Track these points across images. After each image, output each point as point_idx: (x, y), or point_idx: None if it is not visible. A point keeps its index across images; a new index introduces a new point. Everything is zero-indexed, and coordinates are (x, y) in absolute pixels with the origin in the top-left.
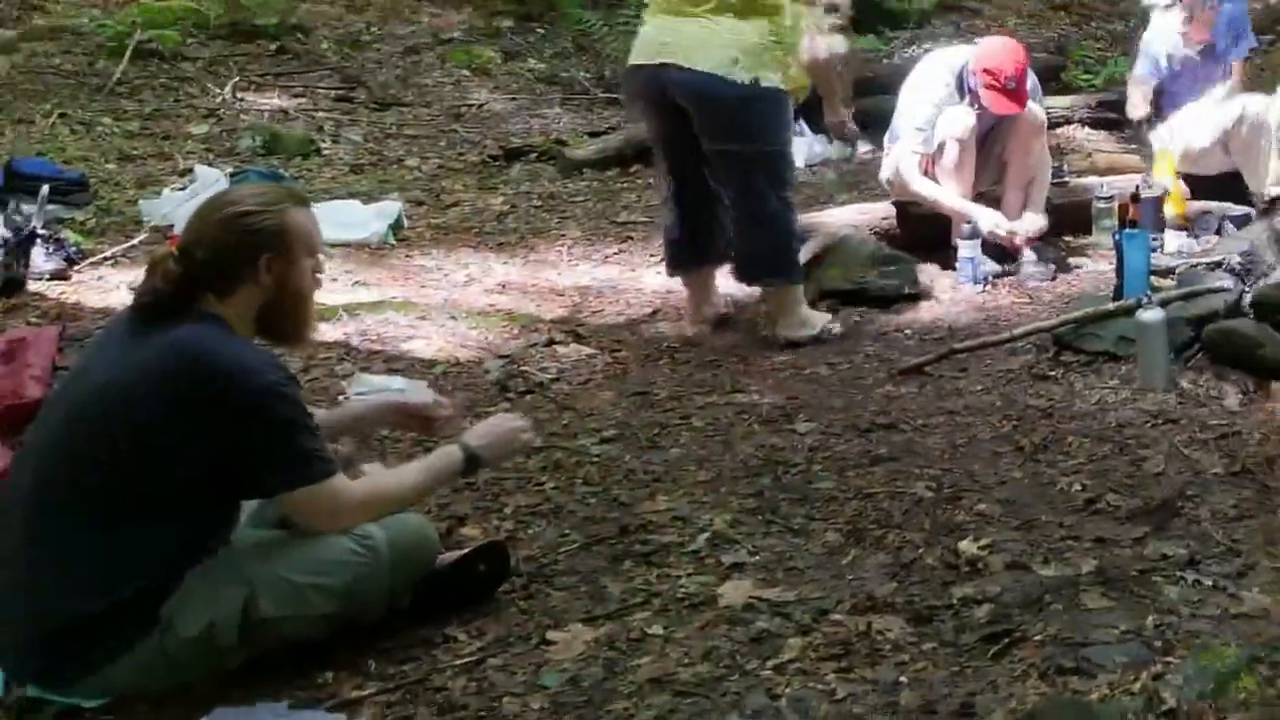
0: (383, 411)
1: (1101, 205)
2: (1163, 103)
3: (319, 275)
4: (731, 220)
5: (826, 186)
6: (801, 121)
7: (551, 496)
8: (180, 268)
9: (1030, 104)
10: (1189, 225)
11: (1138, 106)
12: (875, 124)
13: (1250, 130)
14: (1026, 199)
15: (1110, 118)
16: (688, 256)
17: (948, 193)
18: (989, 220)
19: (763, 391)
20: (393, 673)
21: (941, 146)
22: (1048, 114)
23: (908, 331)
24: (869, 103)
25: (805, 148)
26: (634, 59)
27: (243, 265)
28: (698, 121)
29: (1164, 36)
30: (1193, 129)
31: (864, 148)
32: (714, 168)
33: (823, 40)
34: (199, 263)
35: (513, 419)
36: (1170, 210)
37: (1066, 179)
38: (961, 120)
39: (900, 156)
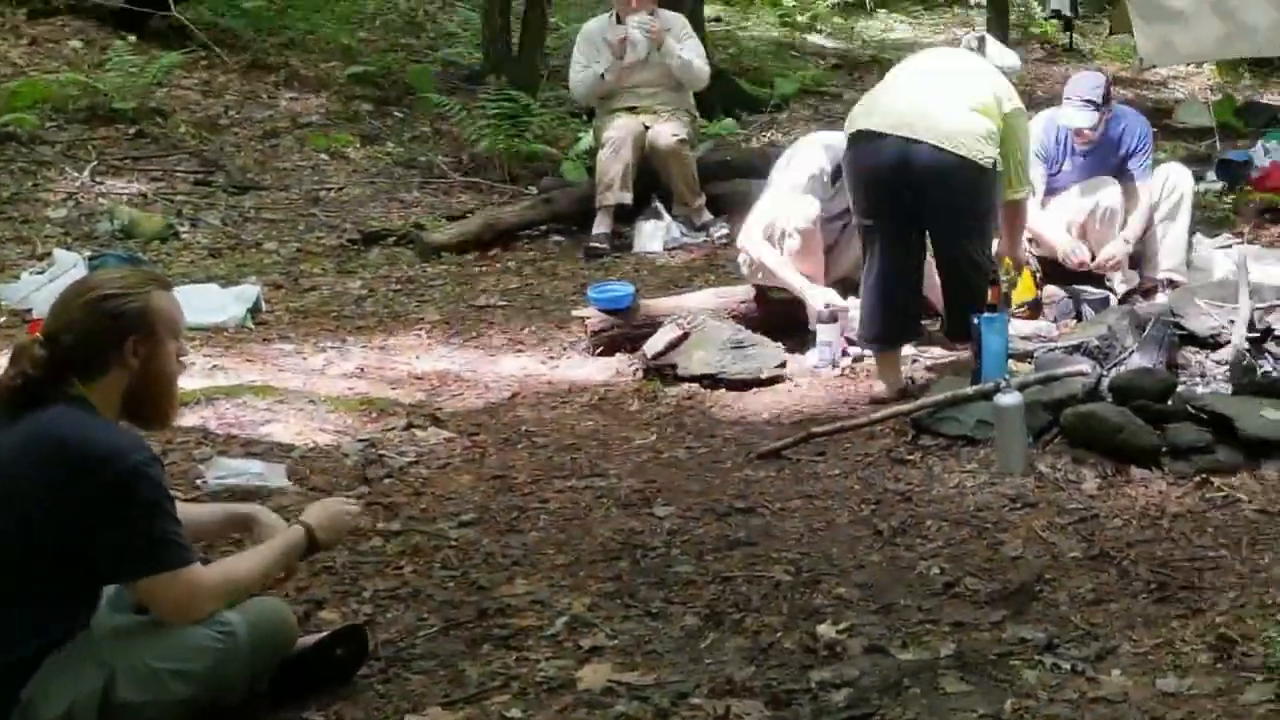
0: (226, 524)
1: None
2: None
3: (183, 358)
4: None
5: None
6: (658, 204)
7: (410, 580)
8: (46, 353)
9: None
10: (1042, 311)
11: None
12: (732, 208)
13: (1104, 220)
14: None
15: None
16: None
17: (788, 270)
18: (819, 299)
19: (621, 475)
20: None
21: (784, 234)
22: None
23: (766, 415)
24: (726, 187)
25: (663, 231)
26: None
27: (109, 348)
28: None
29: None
30: (1050, 216)
31: (720, 231)
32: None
33: (667, 127)
34: (65, 347)
35: (343, 501)
36: (1021, 296)
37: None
38: (803, 211)
39: (753, 240)
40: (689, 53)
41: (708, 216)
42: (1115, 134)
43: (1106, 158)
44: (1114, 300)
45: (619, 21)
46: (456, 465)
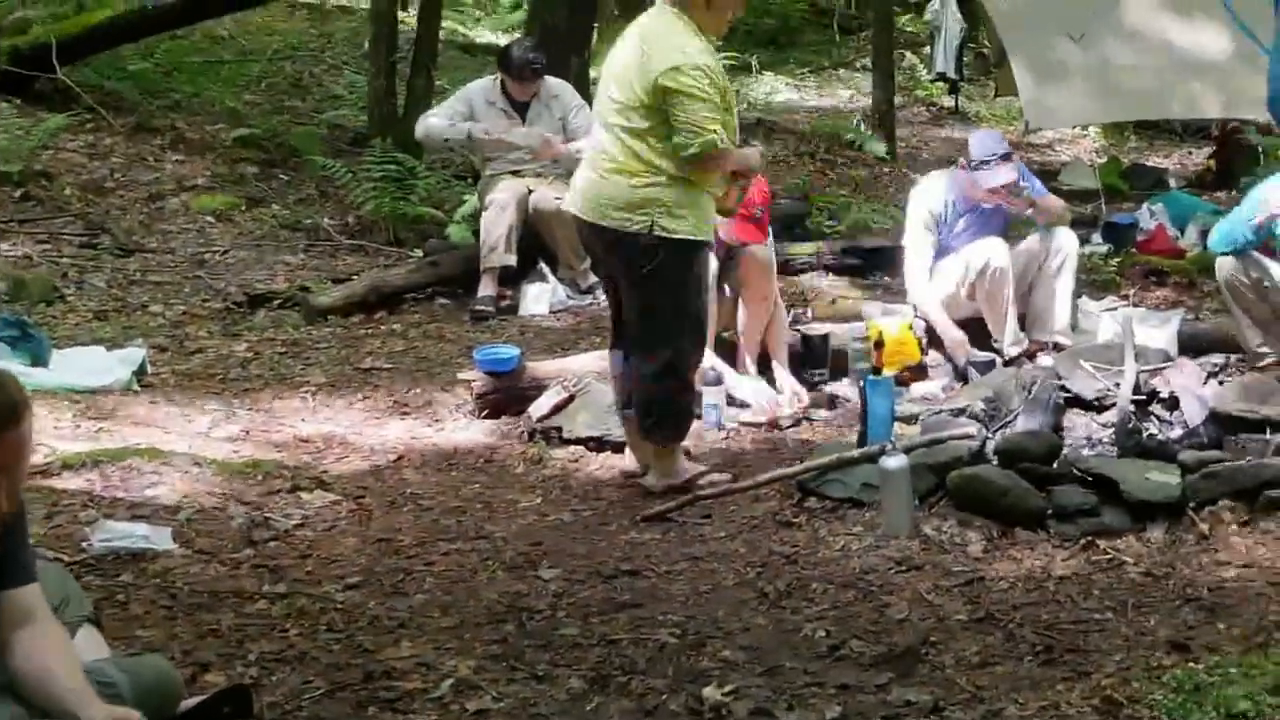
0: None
1: (858, 347)
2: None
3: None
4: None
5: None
6: (543, 267)
7: (295, 643)
8: None
9: (766, 243)
10: (926, 374)
11: (917, 284)
12: None
13: (993, 281)
14: (774, 355)
15: (853, 264)
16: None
17: None
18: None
19: (507, 538)
20: None
21: None
22: (792, 260)
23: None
24: None
25: (548, 294)
26: None
27: None
28: None
29: (933, 196)
30: (938, 276)
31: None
32: None
33: (551, 190)
34: None
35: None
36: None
37: (809, 325)
38: None
39: None
40: (582, 139)
41: (593, 279)
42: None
43: (996, 210)
44: (1000, 363)
45: (504, 90)
46: (342, 528)
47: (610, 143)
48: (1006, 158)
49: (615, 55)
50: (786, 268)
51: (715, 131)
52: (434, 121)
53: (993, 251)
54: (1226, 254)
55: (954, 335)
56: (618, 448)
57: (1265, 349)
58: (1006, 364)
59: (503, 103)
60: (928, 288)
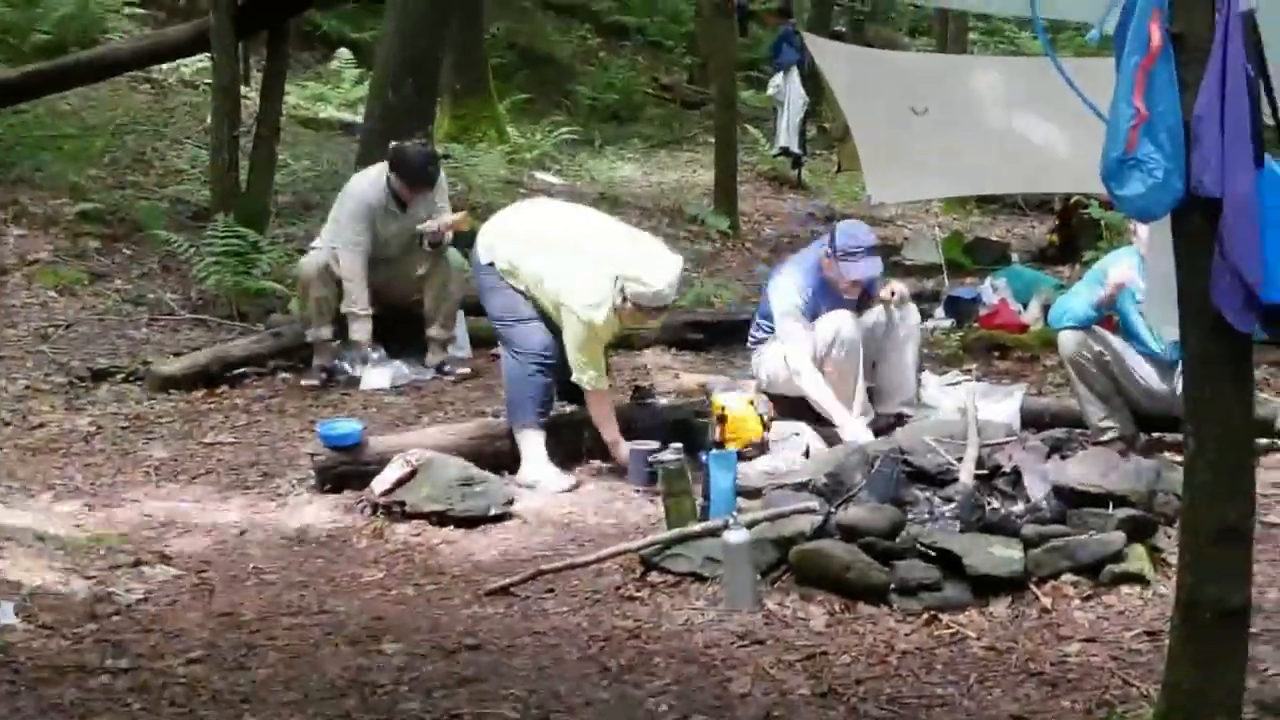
0: None
1: (702, 421)
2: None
3: None
4: None
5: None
6: (381, 349)
7: (139, 717)
8: None
9: None
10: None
11: (799, 363)
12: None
13: (843, 352)
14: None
15: (696, 339)
16: None
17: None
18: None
19: (350, 612)
20: None
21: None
22: (635, 334)
23: (495, 552)
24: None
25: (391, 369)
26: None
27: None
28: None
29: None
30: (765, 358)
31: (462, 370)
32: None
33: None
34: None
35: None
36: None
37: (654, 399)
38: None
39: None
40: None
41: (446, 355)
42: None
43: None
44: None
45: (396, 199)
46: (185, 603)
47: None
48: (872, 251)
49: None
50: (628, 342)
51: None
52: (350, 260)
53: (841, 323)
54: (1069, 329)
55: (852, 428)
56: (460, 522)
57: (1108, 423)
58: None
59: (391, 204)
60: (816, 375)
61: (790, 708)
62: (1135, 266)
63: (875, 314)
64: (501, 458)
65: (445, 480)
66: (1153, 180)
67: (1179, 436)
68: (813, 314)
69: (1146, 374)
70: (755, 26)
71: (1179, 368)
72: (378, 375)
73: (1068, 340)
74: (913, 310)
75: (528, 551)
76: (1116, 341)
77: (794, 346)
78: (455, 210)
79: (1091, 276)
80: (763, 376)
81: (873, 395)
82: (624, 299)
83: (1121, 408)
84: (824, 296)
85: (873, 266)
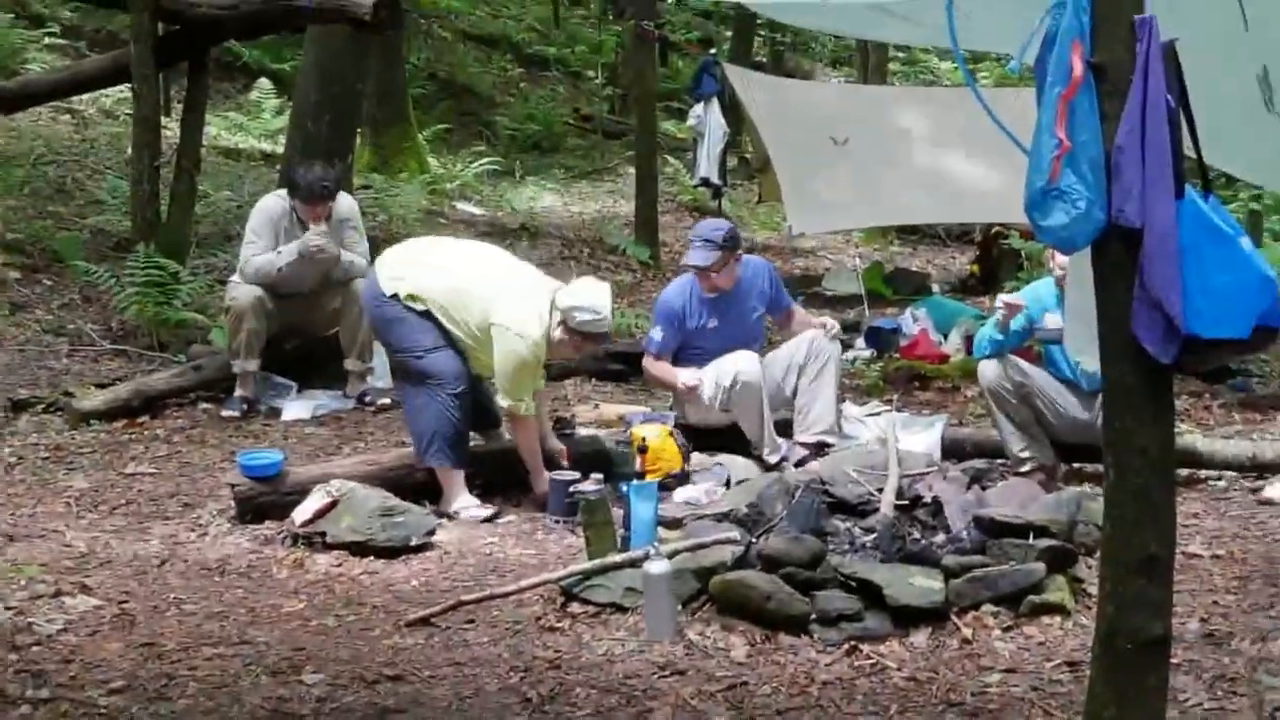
0: None
1: (624, 451)
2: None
3: None
4: None
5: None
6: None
7: None
8: None
9: None
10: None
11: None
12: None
13: (742, 393)
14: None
15: (616, 369)
16: None
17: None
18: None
19: (270, 642)
20: None
21: None
22: (554, 365)
23: (415, 582)
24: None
25: (312, 400)
26: None
27: None
28: None
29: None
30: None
31: (382, 400)
32: None
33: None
34: None
35: None
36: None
37: (574, 430)
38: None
39: None
40: (353, 253)
41: (366, 387)
42: (746, 282)
43: (743, 309)
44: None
45: (298, 218)
46: (105, 633)
47: None
48: (714, 245)
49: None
50: (549, 373)
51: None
52: (254, 262)
53: (740, 364)
54: (988, 358)
55: (672, 378)
56: (381, 552)
57: (1027, 454)
58: (768, 470)
59: (296, 227)
60: (655, 364)
61: None
62: (1051, 294)
63: (791, 346)
64: (422, 488)
65: (366, 511)
66: (1075, 211)
67: (1100, 466)
68: (700, 321)
69: (1068, 403)
70: (676, 57)
71: (1100, 397)
72: (298, 406)
73: (987, 370)
74: (834, 340)
75: (449, 582)
76: (1037, 372)
77: (649, 346)
78: (374, 243)
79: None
80: (679, 407)
81: (793, 425)
82: (563, 325)
83: (1041, 437)
84: (709, 304)
85: (699, 257)
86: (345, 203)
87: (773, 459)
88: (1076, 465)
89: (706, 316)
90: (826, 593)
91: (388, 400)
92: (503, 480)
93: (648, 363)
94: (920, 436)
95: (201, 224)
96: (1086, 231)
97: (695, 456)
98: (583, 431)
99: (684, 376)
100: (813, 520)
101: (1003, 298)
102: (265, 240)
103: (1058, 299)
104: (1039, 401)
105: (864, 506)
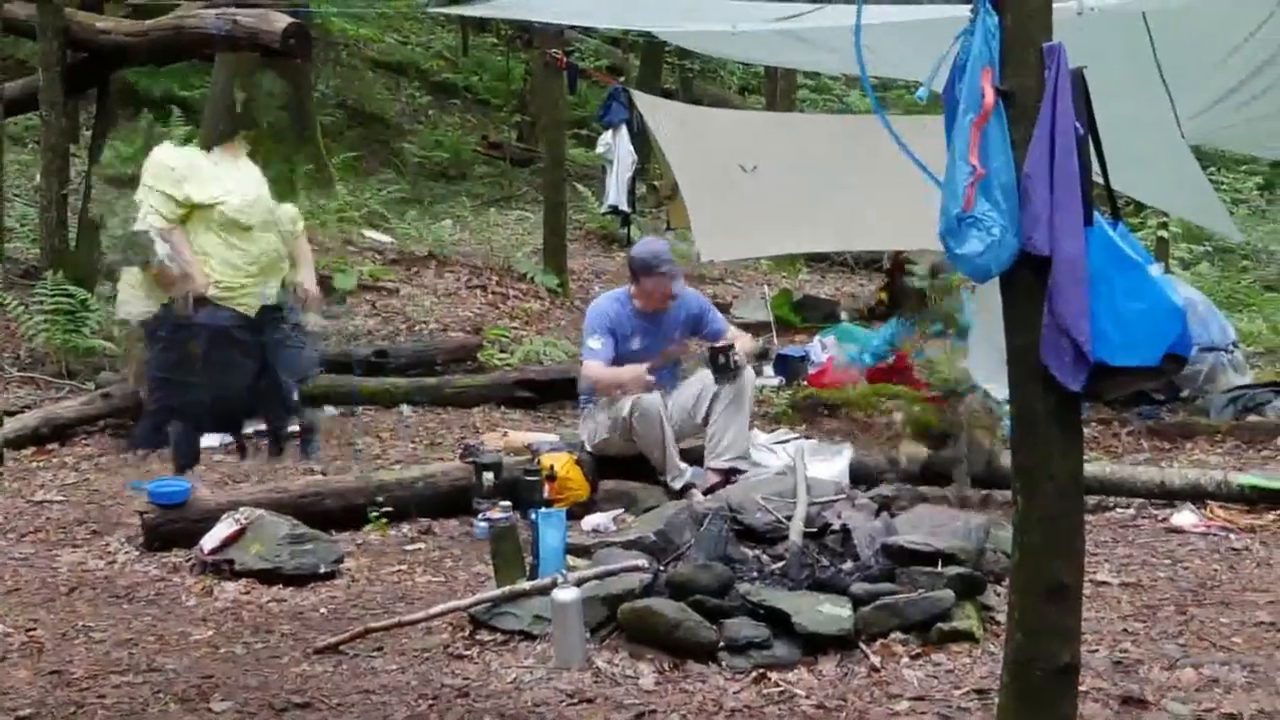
0: None
1: (532, 480)
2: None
3: None
4: None
5: None
6: None
7: None
8: None
9: None
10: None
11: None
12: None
13: (643, 423)
14: None
15: (526, 396)
16: None
17: None
18: None
19: (179, 670)
20: None
21: None
22: (464, 392)
23: (324, 610)
24: None
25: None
26: None
27: None
28: None
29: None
30: (592, 422)
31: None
32: None
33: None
34: None
35: None
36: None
37: (480, 457)
38: None
39: None
40: None
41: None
42: (675, 309)
43: (670, 335)
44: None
45: None
46: (14, 660)
47: None
48: (672, 262)
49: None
50: (459, 400)
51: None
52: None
53: (641, 394)
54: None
55: (627, 375)
56: (289, 580)
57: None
58: (675, 496)
59: None
60: (599, 369)
61: None
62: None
63: (704, 373)
64: (331, 515)
65: (274, 538)
66: (990, 238)
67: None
68: (627, 336)
69: None
70: (584, 84)
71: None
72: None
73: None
74: (745, 367)
75: (357, 609)
76: None
77: (587, 354)
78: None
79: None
80: (585, 435)
81: (704, 451)
82: None
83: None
84: (638, 320)
85: (678, 271)
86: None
87: (677, 485)
88: (985, 492)
89: (633, 336)
90: (735, 620)
91: (296, 428)
92: (413, 509)
93: (590, 369)
94: (828, 464)
95: (109, 252)
96: (1001, 258)
97: (604, 483)
98: (490, 458)
99: (633, 369)
100: (721, 548)
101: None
102: None
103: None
104: None
105: (772, 534)
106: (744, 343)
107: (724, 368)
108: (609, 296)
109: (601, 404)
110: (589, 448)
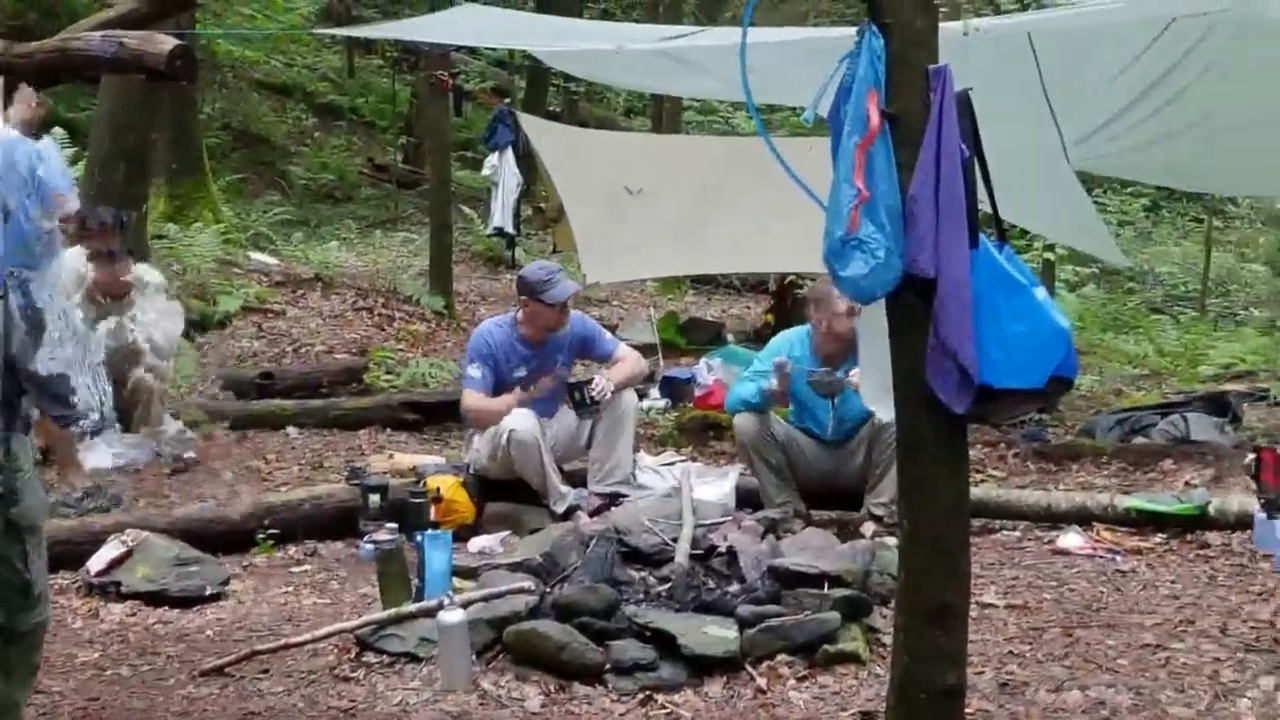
0: None
1: (418, 502)
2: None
3: None
4: None
5: None
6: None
7: None
8: None
9: None
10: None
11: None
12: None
13: (519, 449)
14: None
15: (411, 419)
16: None
17: None
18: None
19: (64, 693)
20: None
21: None
22: (350, 415)
23: (210, 633)
24: None
25: (114, 451)
26: None
27: None
28: None
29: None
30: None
31: (189, 454)
32: None
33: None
34: None
35: None
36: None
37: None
38: None
39: None
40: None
41: (175, 436)
42: (560, 336)
43: (553, 363)
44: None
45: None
46: None
47: None
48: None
49: None
50: (345, 422)
51: None
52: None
53: (517, 422)
54: (746, 412)
55: (500, 405)
56: (176, 602)
57: (783, 498)
58: (560, 519)
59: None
60: (479, 399)
61: None
62: (803, 342)
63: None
64: (219, 539)
65: (161, 560)
66: (875, 261)
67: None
68: (510, 366)
69: (814, 455)
70: (470, 107)
71: (844, 445)
72: (99, 455)
73: (747, 424)
74: (629, 390)
75: (243, 631)
76: (786, 425)
77: (468, 385)
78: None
79: (763, 358)
80: (470, 458)
81: (588, 474)
82: None
83: (794, 485)
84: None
85: (571, 286)
86: (141, 271)
87: (560, 508)
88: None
89: (516, 364)
90: (621, 642)
91: (193, 454)
92: (299, 531)
93: (467, 400)
94: (714, 486)
95: None
96: (886, 281)
97: (491, 505)
98: (376, 480)
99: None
100: (607, 570)
101: (775, 361)
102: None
103: (808, 344)
104: (791, 453)
105: (659, 556)
106: (629, 365)
107: (581, 403)
108: (494, 322)
109: (482, 432)
110: (473, 471)
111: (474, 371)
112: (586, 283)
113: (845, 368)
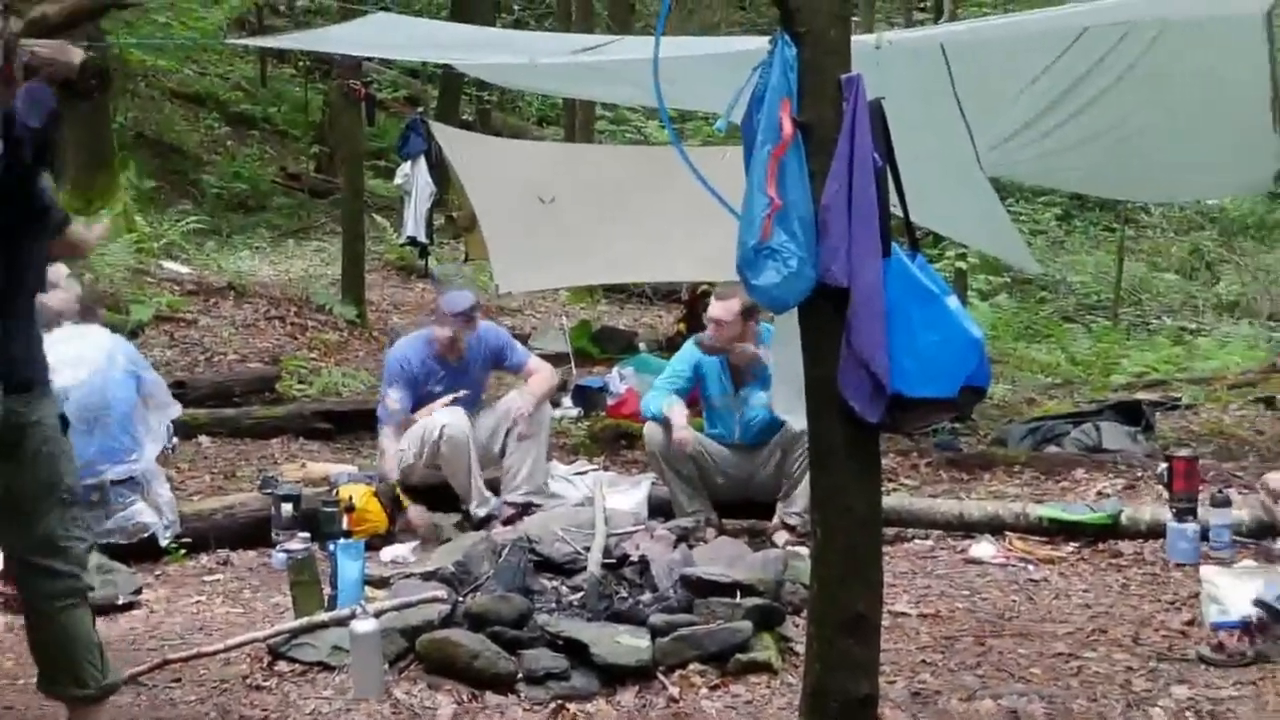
0: None
1: (330, 511)
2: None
3: None
4: None
5: None
6: None
7: None
8: None
9: None
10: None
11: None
12: None
13: (449, 448)
14: None
15: (324, 428)
16: None
17: None
18: None
19: None
20: None
21: None
22: (263, 423)
23: (122, 641)
24: None
25: None
26: None
27: None
28: None
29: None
30: (402, 440)
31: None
32: None
33: None
34: None
35: None
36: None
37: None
38: None
39: None
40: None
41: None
42: (473, 350)
43: (470, 377)
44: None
45: None
46: None
47: None
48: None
49: None
50: (257, 431)
51: None
52: None
53: (449, 419)
54: (656, 421)
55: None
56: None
57: (694, 506)
58: (477, 527)
59: None
60: (389, 441)
61: None
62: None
63: (502, 404)
64: (131, 548)
65: None
66: (787, 270)
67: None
68: (428, 380)
69: (726, 463)
70: (383, 115)
71: (755, 453)
72: None
73: (657, 434)
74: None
75: (155, 640)
76: (699, 434)
77: (382, 412)
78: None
79: (671, 369)
80: (388, 462)
81: (502, 483)
82: None
83: (705, 494)
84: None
85: (464, 297)
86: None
87: (480, 512)
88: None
89: (433, 382)
90: (533, 651)
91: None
92: (211, 540)
93: (381, 442)
94: (627, 495)
95: None
96: (798, 290)
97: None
98: (290, 489)
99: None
100: (520, 579)
101: (676, 437)
102: None
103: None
104: (701, 462)
105: (571, 565)
106: (545, 378)
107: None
108: (410, 340)
109: (409, 429)
110: (394, 475)
111: (393, 396)
112: (499, 292)
113: (753, 386)
